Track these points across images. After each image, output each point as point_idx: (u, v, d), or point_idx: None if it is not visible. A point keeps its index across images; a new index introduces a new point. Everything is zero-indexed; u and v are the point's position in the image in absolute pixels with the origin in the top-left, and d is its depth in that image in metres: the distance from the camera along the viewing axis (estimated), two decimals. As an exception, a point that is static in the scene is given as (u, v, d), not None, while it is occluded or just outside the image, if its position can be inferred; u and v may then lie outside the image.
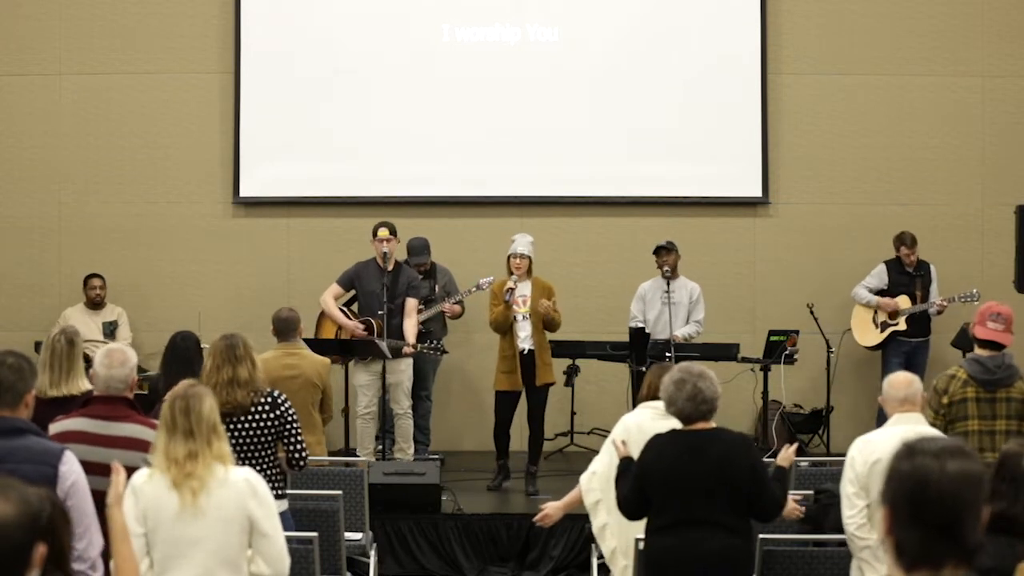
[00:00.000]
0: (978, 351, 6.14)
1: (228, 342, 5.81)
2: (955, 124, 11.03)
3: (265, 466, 5.83)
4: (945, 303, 10.15)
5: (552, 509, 5.99)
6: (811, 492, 6.44)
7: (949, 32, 11.00)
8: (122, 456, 4.76)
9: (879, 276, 10.40)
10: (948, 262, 10.76)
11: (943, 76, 11.01)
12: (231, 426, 5.75)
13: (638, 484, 5.15)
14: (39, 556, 2.63)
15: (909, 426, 5.23)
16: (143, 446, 4.71)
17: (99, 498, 4.31)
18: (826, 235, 10.97)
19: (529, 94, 10.98)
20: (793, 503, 5.97)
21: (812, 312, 10.27)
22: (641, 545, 5.35)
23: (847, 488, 5.32)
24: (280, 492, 5.95)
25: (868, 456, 5.27)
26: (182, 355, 6.86)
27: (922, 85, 11.04)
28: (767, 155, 10.99)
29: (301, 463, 5.94)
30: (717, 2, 11.03)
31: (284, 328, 7.44)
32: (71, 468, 4.34)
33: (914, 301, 10.26)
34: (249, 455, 5.78)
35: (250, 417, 5.78)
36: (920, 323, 10.30)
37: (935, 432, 5.22)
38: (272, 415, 5.81)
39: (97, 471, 4.51)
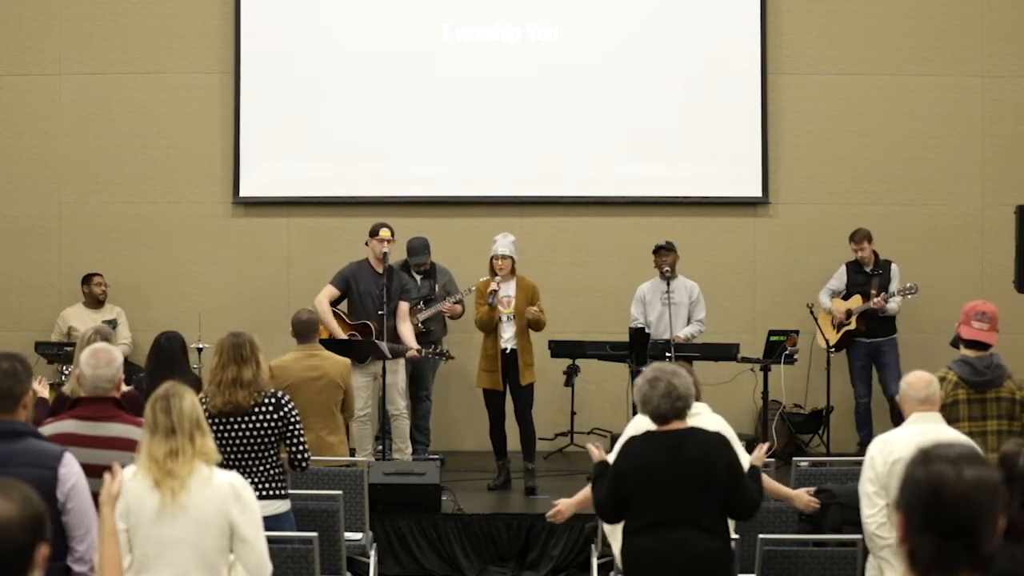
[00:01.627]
0: (964, 351, 6.16)
1: (235, 340, 5.81)
2: (955, 124, 11.02)
3: (268, 466, 5.84)
4: (882, 300, 10.05)
5: (564, 506, 6.01)
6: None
7: (949, 32, 10.99)
8: (112, 456, 4.76)
9: (839, 277, 10.39)
10: (948, 262, 10.77)
11: (943, 76, 11.01)
12: (232, 426, 5.76)
13: (615, 487, 5.14)
14: (41, 557, 2.63)
15: (929, 425, 5.26)
16: (132, 446, 4.69)
17: (93, 499, 4.32)
18: (826, 235, 10.95)
19: (529, 94, 10.98)
20: (808, 496, 6.05)
21: (812, 312, 10.27)
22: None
23: (867, 487, 5.33)
24: (282, 492, 5.95)
25: (888, 456, 5.27)
26: (167, 355, 6.90)
27: (922, 85, 11.03)
28: (767, 155, 10.98)
29: (304, 464, 5.94)
30: (717, 2, 11.03)
31: (304, 330, 7.58)
32: (71, 470, 4.33)
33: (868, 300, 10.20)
34: (251, 455, 5.79)
35: (253, 417, 5.78)
36: (878, 323, 10.17)
37: (953, 434, 5.23)
38: (275, 416, 5.81)
39: (89, 472, 4.49)
